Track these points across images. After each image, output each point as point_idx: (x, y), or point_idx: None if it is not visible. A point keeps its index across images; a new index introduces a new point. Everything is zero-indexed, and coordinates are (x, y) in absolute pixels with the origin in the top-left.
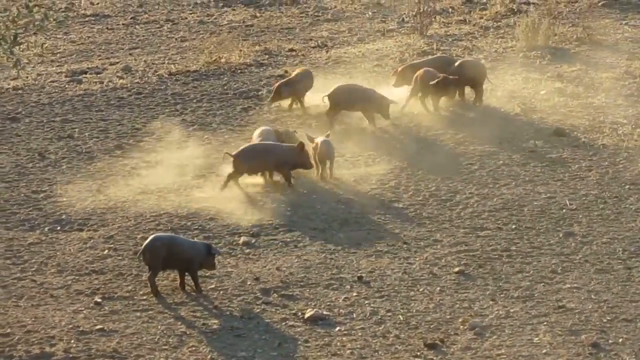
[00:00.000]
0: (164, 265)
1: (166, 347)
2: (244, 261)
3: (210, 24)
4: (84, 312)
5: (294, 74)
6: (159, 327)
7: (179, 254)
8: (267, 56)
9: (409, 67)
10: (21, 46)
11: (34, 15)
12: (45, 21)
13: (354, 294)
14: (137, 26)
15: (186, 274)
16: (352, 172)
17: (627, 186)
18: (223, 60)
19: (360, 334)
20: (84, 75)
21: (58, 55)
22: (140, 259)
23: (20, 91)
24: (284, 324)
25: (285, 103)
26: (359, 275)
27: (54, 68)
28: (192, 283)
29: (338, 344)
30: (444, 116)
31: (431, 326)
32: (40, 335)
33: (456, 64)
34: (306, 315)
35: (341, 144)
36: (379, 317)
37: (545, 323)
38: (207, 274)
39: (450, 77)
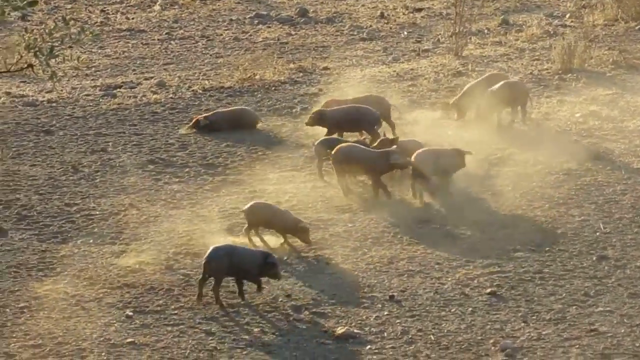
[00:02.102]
0: (226, 274)
1: None
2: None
3: (245, 41)
4: (115, 325)
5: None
6: (190, 341)
7: (239, 263)
8: (301, 74)
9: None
10: (57, 59)
11: (70, 28)
12: (81, 34)
13: (385, 313)
14: (172, 42)
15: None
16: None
17: None
18: (257, 77)
19: (390, 353)
20: (118, 90)
21: (93, 69)
22: (203, 269)
23: (54, 104)
24: (314, 341)
25: None
26: (390, 294)
27: (89, 82)
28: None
29: None
30: (477, 138)
31: (462, 347)
32: (71, 347)
33: (499, 84)
34: (337, 333)
35: None
36: (410, 336)
37: (577, 346)
38: (235, 291)
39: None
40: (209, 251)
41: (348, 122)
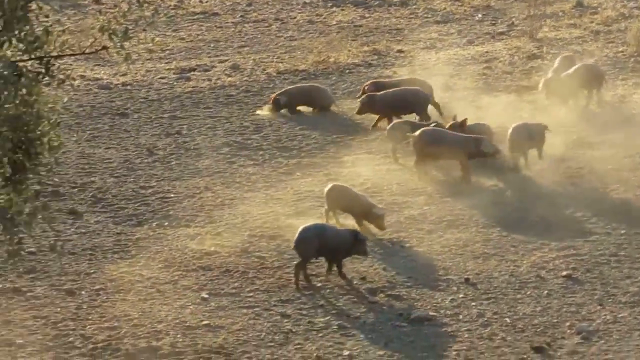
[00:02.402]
0: (316, 254)
1: (272, 344)
2: (351, 261)
3: (319, 24)
4: (191, 307)
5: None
6: (265, 324)
7: (328, 243)
8: (375, 56)
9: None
10: (131, 41)
11: (144, 11)
12: (155, 16)
13: (461, 296)
14: (246, 25)
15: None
16: (460, 175)
17: None
18: (331, 59)
19: (466, 335)
20: (193, 73)
21: (167, 52)
22: (294, 250)
23: (129, 87)
24: (389, 323)
25: None
26: (466, 276)
27: (163, 65)
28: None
29: (444, 345)
30: (552, 121)
31: (538, 329)
32: (147, 330)
33: (575, 67)
34: (412, 316)
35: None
36: (485, 319)
37: None
38: (314, 273)
39: None
40: (297, 233)
41: (398, 105)
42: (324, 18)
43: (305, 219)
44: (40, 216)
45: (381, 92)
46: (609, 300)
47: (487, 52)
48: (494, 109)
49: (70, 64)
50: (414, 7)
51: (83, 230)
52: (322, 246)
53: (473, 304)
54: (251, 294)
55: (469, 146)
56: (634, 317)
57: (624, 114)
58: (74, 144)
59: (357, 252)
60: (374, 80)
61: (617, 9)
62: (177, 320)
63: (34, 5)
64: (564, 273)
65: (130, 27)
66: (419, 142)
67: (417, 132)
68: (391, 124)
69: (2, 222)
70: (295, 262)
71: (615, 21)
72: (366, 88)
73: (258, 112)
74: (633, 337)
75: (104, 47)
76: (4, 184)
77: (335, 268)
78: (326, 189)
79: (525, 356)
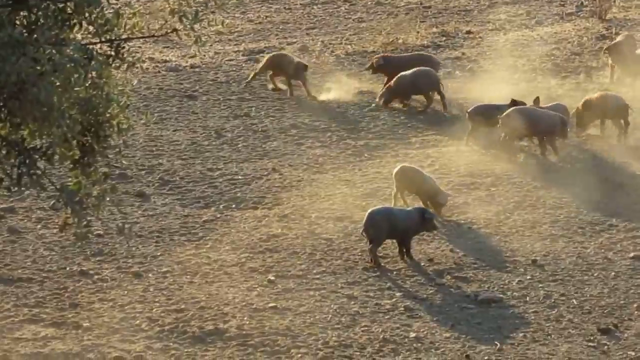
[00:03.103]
0: (387, 236)
1: (338, 326)
2: (418, 242)
3: (388, 5)
4: (258, 289)
5: None
6: (332, 306)
7: (398, 225)
8: (444, 38)
9: None
10: (201, 23)
11: None
12: None
13: (528, 277)
14: (314, 6)
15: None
16: (528, 157)
17: None
18: (400, 41)
19: (533, 317)
20: (261, 55)
21: (235, 34)
22: (363, 235)
23: (197, 69)
24: (456, 305)
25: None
26: (533, 258)
27: (231, 47)
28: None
29: (511, 326)
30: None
31: (605, 311)
32: (213, 312)
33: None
34: (479, 298)
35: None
36: (552, 300)
37: None
38: (381, 254)
39: None
40: (366, 217)
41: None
42: (393, 0)
43: (373, 201)
44: (108, 199)
45: (396, 55)
46: None
47: (555, 33)
48: (563, 89)
49: (140, 47)
50: None
51: (150, 213)
52: (392, 229)
53: (540, 285)
54: (318, 276)
55: (559, 125)
56: None
57: None
58: (142, 127)
59: (427, 229)
60: (384, 55)
61: None
62: (244, 303)
63: None
64: (632, 254)
65: (200, 10)
66: (507, 121)
67: (506, 113)
68: (473, 107)
69: (70, 205)
70: (366, 247)
71: None
72: (374, 62)
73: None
74: None
75: (175, 30)
76: (73, 166)
77: (404, 250)
78: (395, 170)
79: (592, 337)
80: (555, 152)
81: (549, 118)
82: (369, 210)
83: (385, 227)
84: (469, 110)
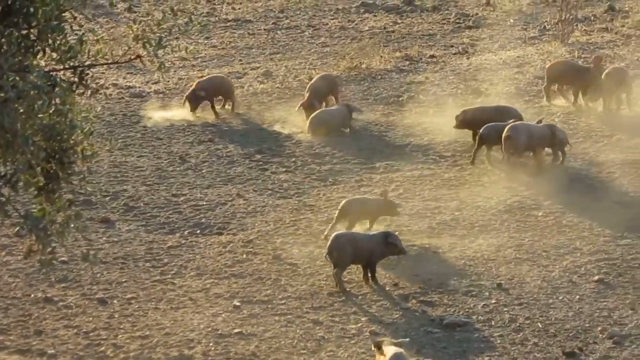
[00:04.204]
0: (351, 261)
1: (304, 351)
2: (383, 267)
3: (352, 30)
4: (223, 315)
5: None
6: (298, 331)
7: (362, 248)
8: (407, 62)
9: None
10: (165, 50)
11: (178, 19)
12: (189, 25)
13: (493, 301)
14: (278, 32)
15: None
16: (492, 180)
17: None
18: (364, 66)
19: (498, 341)
20: None
21: (199, 59)
22: (327, 259)
23: (161, 95)
24: (422, 329)
25: None
26: (498, 282)
27: (195, 72)
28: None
29: (476, 350)
30: (582, 125)
31: (570, 334)
32: (178, 338)
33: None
34: (445, 322)
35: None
36: (518, 324)
37: None
38: (346, 279)
39: None
40: (330, 241)
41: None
42: (356, 24)
43: (338, 226)
44: (72, 225)
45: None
46: None
47: (518, 56)
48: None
49: (103, 73)
50: (446, 12)
51: (115, 239)
52: (356, 253)
53: (505, 309)
54: (283, 301)
55: (550, 138)
56: None
57: None
58: (107, 153)
59: (392, 252)
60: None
61: None
62: (209, 329)
63: (67, 15)
64: (596, 277)
65: (164, 36)
66: (510, 138)
67: (508, 129)
68: (485, 127)
69: (35, 232)
70: (331, 271)
71: None
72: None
73: None
74: None
75: (138, 56)
76: (37, 193)
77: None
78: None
79: None
80: (540, 165)
81: (540, 133)
82: (333, 234)
83: (349, 250)
84: (481, 131)
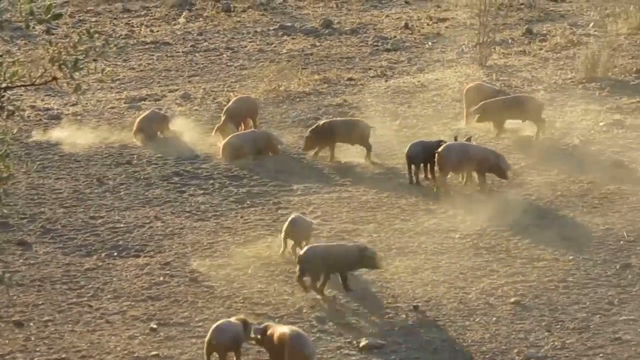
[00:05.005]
0: (325, 272)
1: None
2: (300, 289)
3: (270, 52)
4: (140, 337)
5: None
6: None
7: (334, 260)
8: (326, 85)
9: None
10: (81, 72)
11: (94, 41)
12: (106, 47)
13: (410, 323)
14: (196, 54)
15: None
16: (410, 202)
17: None
18: (282, 88)
19: None
20: (143, 102)
21: (117, 82)
22: (299, 270)
23: (79, 117)
24: (339, 352)
25: None
26: (414, 304)
27: (114, 95)
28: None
29: None
30: (502, 147)
31: (486, 356)
32: None
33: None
34: (361, 344)
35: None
36: (435, 346)
37: (601, 355)
38: (263, 301)
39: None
40: (301, 252)
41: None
42: (275, 47)
43: (255, 248)
44: None
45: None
46: (557, 327)
47: (437, 79)
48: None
49: (21, 94)
50: (364, 35)
51: (32, 261)
52: (328, 264)
53: (422, 331)
54: (200, 324)
55: (494, 160)
56: (582, 343)
57: (572, 141)
58: (24, 175)
59: (366, 266)
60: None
61: (566, 36)
62: (126, 351)
63: None
64: (513, 299)
65: (80, 58)
66: (444, 158)
67: (442, 148)
68: (410, 146)
69: None
70: (249, 295)
71: (564, 48)
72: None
73: None
74: None
75: (54, 78)
76: None
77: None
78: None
79: None
80: (483, 186)
81: (479, 153)
82: (305, 247)
83: (319, 262)
84: (406, 151)
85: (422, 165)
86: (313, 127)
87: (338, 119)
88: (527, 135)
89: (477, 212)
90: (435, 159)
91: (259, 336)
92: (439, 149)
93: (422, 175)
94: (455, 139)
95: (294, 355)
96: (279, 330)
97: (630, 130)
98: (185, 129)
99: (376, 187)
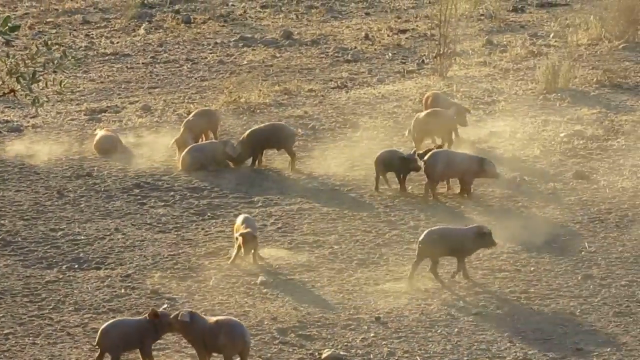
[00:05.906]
0: (442, 254)
1: None
2: (262, 301)
3: (230, 64)
4: None
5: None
6: None
7: (453, 242)
8: (286, 96)
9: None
10: (40, 84)
11: (52, 53)
12: (64, 59)
13: (371, 335)
14: (156, 65)
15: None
16: (372, 214)
17: None
18: (242, 100)
19: None
20: (103, 114)
21: (77, 93)
22: (419, 254)
23: (39, 129)
24: None
25: None
26: (376, 315)
27: (74, 106)
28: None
29: None
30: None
31: None
32: None
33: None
34: (323, 356)
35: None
36: (396, 358)
37: None
38: (221, 315)
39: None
40: (422, 235)
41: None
42: (235, 58)
43: (216, 260)
44: None
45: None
46: (519, 338)
47: (397, 90)
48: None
49: None
50: (325, 46)
51: None
52: (448, 247)
53: (384, 342)
54: (162, 336)
55: (476, 167)
56: (544, 354)
57: (533, 151)
58: None
59: (485, 245)
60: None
61: (527, 47)
62: None
63: None
64: (474, 311)
65: (38, 70)
66: (432, 165)
67: (429, 156)
68: (380, 154)
69: None
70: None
71: (524, 59)
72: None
73: None
74: None
75: (12, 91)
76: None
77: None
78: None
79: None
80: (468, 192)
81: (464, 160)
82: (426, 230)
83: (440, 245)
84: (376, 157)
85: (387, 174)
86: (240, 139)
87: (262, 125)
88: (487, 149)
89: (437, 223)
90: (423, 169)
91: (188, 320)
92: (426, 158)
93: (384, 186)
94: (440, 147)
95: (233, 341)
96: (213, 318)
97: (591, 140)
98: (145, 141)
99: (337, 199)
